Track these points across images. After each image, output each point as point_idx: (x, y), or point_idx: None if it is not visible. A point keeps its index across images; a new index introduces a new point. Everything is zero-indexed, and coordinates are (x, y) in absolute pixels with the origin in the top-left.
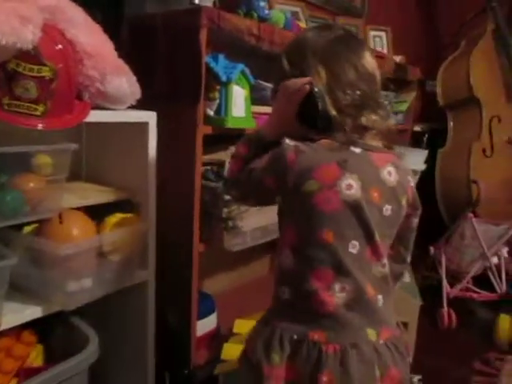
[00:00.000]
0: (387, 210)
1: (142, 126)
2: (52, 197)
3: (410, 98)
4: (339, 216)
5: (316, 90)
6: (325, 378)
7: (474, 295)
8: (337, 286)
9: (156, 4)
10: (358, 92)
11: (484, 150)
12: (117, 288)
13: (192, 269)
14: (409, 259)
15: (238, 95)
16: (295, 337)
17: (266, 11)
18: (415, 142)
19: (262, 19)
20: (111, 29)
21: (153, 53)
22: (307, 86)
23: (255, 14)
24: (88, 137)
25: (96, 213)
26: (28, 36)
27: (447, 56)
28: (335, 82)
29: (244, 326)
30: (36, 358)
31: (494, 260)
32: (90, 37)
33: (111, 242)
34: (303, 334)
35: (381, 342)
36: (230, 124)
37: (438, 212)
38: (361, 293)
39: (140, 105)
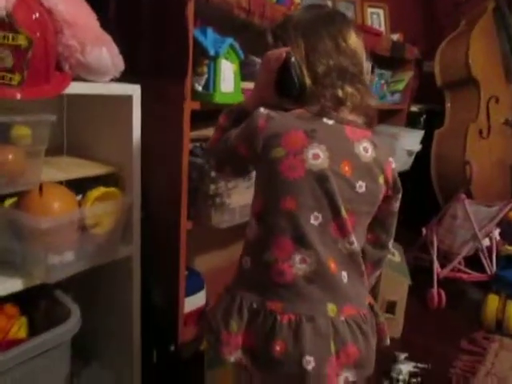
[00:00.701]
0: (361, 186)
1: (126, 99)
2: (31, 169)
3: (406, 77)
4: (303, 184)
5: (292, 58)
6: (277, 347)
7: (464, 276)
8: (297, 257)
9: None
10: (336, 63)
11: (481, 132)
12: (99, 262)
13: (179, 246)
14: (390, 245)
15: (227, 70)
16: (254, 305)
17: None
18: (412, 122)
19: None
20: (96, 0)
21: (139, 26)
22: (284, 54)
23: None
24: (70, 109)
25: (79, 187)
26: (1, 2)
27: (446, 35)
28: (312, 52)
29: None
30: (19, 330)
31: (486, 241)
32: (70, 6)
33: (93, 215)
34: (261, 302)
35: (341, 318)
36: (218, 99)
37: (432, 193)
38: (323, 267)
39: (126, 79)
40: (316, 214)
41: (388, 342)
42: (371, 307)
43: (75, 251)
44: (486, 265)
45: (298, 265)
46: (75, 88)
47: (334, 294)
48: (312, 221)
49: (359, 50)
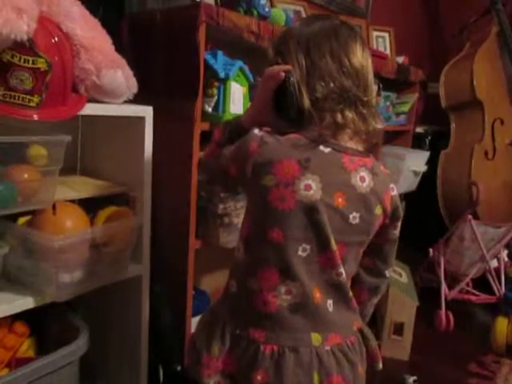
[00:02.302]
0: (355, 217)
1: (139, 121)
2: (46, 188)
3: (412, 99)
4: (291, 216)
5: (291, 78)
6: (259, 377)
7: (473, 298)
8: (282, 289)
9: (157, 0)
10: (337, 85)
11: (486, 153)
12: (109, 281)
13: (188, 265)
14: (387, 273)
15: (236, 92)
16: (237, 331)
17: (267, 9)
18: (418, 143)
19: (262, 17)
20: (111, 25)
21: (152, 49)
22: (282, 74)
23: (255, 12)
24: (84, 130)
25: (90, 206)
26: (23, 27)
27: (450, 58)
28: (313, 71)
29: None
30: (28, 349)
31: (494, 263)
32: (87, 30)
33: (104, 234)
34: (244, 329)
35: (326, 348)
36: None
37: (438, 213)
38: (308, 297)
39: (138, 100)
40: (304, 245)
41: (381, 366)
42: (361, 332)
43: (86, 270)
44: (494, 286)
45: (283, 296)
46: (90, 109)
47: (318, 324)
48: (300, 252)
49: (365, 68)
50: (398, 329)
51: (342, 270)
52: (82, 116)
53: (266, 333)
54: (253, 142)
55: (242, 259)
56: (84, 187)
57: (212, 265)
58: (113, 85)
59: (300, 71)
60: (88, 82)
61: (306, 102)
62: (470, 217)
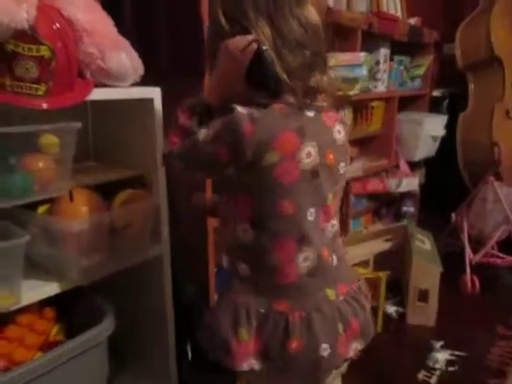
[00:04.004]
0: (342, 167)
1: (147, 103)
2: (61, 175)
3: (426, 61)
4: (298, 186)
5: (264, 49)
6: (293, 345)
7: (498, 261)
8: (301, 257)
9: None
10: (307, 52)
11: (507, 112)
12: (130, 263)
13: (207, 244)
14: None
15: None
16: (261, 310)
17: None
18: (435, 107)
19: None
20: (113, 7)
21: (154, 25)
22: (254, 45)
23: None
24: (94, 115)
25: (107, 191)
26: (23, 15)
27: (465, 16)
28: (282, 41)
29: None
30: (57, 333)
31: None
32: (88, 14)
33: (122, 217)
34: (268, 306)
35: (340, 298)
36: None
37: (459, 178)
38: (320, 259)
39: (145, 82)
40: (311, 210)
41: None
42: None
43: (106, 253)
44: None
45: (301, 264)
46: (98, 94)
47: (329, 280)
48: (309, 217)
49: (319, 24)
50: (423, 295)
51: (335, 221)
52: (91, 101)
53: (290, 302)
54: (244, 122)
55: (250, 239)
56: (99, 173)
57: None
58: (119, 67)
59: (268, 41)
60: (93, 66)
61: (282, 74)
62: (491, 178)
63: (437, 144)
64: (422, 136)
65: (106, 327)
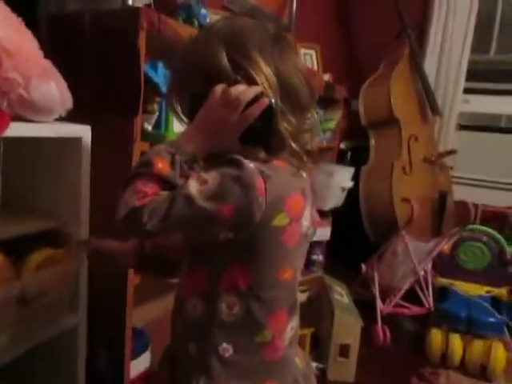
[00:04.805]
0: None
1: (74, 142)
2: None
3: (337, 115)
4: (296, 250)
5: (273, 104)
6: None
7: (406, 310)
8: (289, 327)
9: (78, 2)
10: (306, 113)
11: (404, 168)
12: (43, 339)
13: (126, 303)
14: None
15: None
16: None
17: (208, 19)
18: (339, 159)
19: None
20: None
21: (79, 58)
22: (266, 100)
23: (196, 22)
24: (5, 154)
25: (15, 248)
26: None
27: (367, 77)
28: (287, 95)
29: None
30: None
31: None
32: (10, 32)
33: (35, 285)
34: None
35: (303, 364)
36: None
37: (363, 230)
38: (298, 326)
39: (66, 117)
40: (298, 274)
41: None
42: None
43: (12, 333)
44: (423, 298)
45: (288, 334)
46: (16, 130)
47: (296, 346)
48: (297, 282)
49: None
50: (344, 351)
51: None
52: (4, 138)
53: (275, 381)
54: (257, 179)
55: (238, 315)
56: (8, 225)
57: (147, 299)
58: (45, 99)
59: (274, 94)
60: (13, 95)
61: (287, 135)
62: (403, 232)
63: (344, 195)
64: (332, 186)
65: None
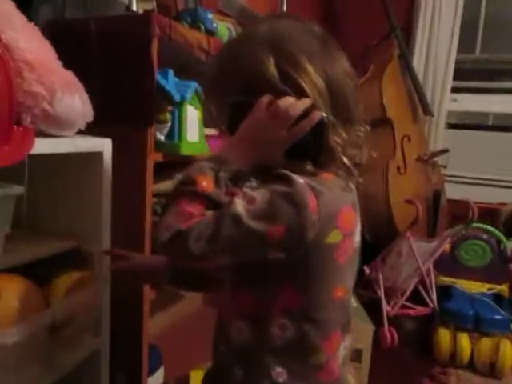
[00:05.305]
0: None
1: (95, 157)
2: None
3: None
4: (349, 267)
5: (325, 118)
6: None
7: (411, 311)
8: (341, 347)
9: (77, 9)
10: (358, 126)
11: (398, 168)
12: (69, 368)
13: (142, 321)
14: None
15: (192, 117)
16: None
17: (214, 24)
18: None
19: (210, 33)
20: None
21: (86, 67)
22: (318, 114)
23: (202, 27)
24: (29, 172)
25: (36, 271)
26: None
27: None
28: (335, 107)
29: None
30: None
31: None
32: (31, 42)
33: (65, 311)
34: None
35: (353, 380)
36: (185, 151)
37: (361, 231)
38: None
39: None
40: (351, 291)
41: None
42: None
43: (44, 363)
44: (427, 298)
45: (341, 354)
46: (40, 147)
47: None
48: (351, 300)
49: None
50: (357, 355)
51: None
52: (29, 155)
53: None
54: (308, 195)
55: (293, 339)
56: (28, 247)
57: (155, 311)
58: (69, 113)
59: (324, 106)
60: (37, 110)
61: (337, 149)
62: (408, 233)
63: None
64: None
65: None
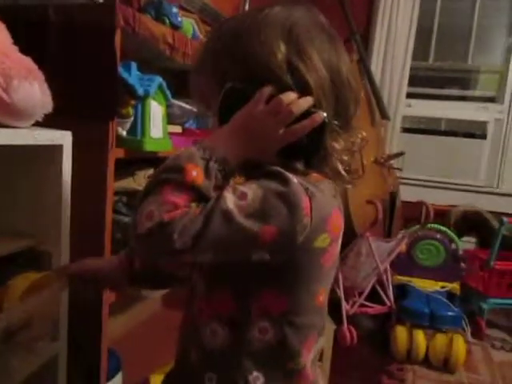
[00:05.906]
0: None
1: (54, 150)
2: None
3: None
4: (331, 271)
5: (326, 120)
6: None
7: (369, 310)
8: (315, 350)
9: None
10: (356, 133)
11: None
12: (25, 375)
13: (101, 323)
14: None
15: (156, 113)
16: None
17: (179, 18)
18: None
19: (175, 27)
20: None
21: (42, 57)
22: (320, 115)
23: (167, 21)
24: None
25: None
26: None
27: None
28: (337, 110)
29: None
30: None
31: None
32: None
33: (20, 316)
34: None
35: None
36: (148, 147)
37: None
38: None
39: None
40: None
41: None
42: None
43: None
44: (384, 297)
45: (312, 356)
46: None
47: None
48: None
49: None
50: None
51: None
52: None
53: None
54: (303, 196)
55: (272, 343)
56: None
57: (118, 317)
58: (27, 102)
59: (328, 106)
60: None
61: (333, 155)
62: (367, 234)
63: None
64: None
65: None
